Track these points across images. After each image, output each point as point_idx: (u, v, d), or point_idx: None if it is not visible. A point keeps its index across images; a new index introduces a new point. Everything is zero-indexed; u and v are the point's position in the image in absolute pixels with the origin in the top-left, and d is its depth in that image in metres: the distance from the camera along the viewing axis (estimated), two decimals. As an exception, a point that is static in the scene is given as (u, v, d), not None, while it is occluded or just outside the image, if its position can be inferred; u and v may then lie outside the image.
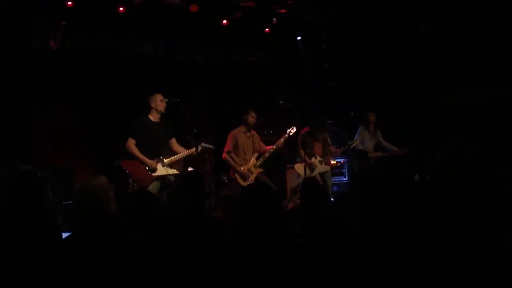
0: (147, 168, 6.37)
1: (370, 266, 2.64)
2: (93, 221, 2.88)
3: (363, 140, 8.64)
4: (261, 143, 7.75)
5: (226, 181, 7.94)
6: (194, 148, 6.56)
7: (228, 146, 7.50)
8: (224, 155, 7.50)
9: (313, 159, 7.61)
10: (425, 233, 2.73)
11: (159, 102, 6.51)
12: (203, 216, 3.67)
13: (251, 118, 7.52)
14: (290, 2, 9.08)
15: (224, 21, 8.86)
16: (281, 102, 7.93)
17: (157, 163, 6.39)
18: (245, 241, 2.78)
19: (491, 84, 8.72)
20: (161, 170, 6.43)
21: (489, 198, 3.24)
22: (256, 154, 7.61)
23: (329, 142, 7.89)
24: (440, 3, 8.74)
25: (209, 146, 6.82)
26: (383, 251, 2.68)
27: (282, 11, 9.22)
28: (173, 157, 6.55)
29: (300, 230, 3.69)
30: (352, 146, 8.00)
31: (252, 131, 7.63)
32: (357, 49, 9.57)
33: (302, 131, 7.74)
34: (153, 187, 6.27)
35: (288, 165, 8.43)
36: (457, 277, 2.59)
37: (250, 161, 7.54)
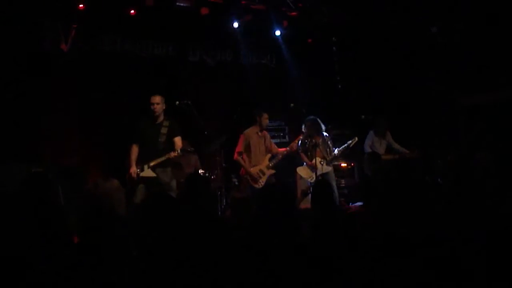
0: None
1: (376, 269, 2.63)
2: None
3: (373, 144, 8.61)
4: (272, 143, 7.80)
5: (237, 183, 7.96)
6: (176, 152, 6.45)
7: (239, 147, 7.54)
8: (236, 155, 7.54)
9: (314, 161, 7.54)
10: (442, 236, 2.71)
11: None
12: (208, 215, 3.66)
13: (265, 120, 7.61)
14: (300, 5, 9.09)
15: (235, 24, 8.87)
16: (292, 104, 7.93)
17: (140, 169, 6.46)
18: (258, 240, 2.77)
19: (503, 86, 8.64)
20: (146, 172, 6.47)
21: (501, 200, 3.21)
22: (269, 155, 7.65)
23: (330, 144, 7.84)
24: (452, 5, 8.69)
25: (190, 149, 6.73)
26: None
27: (293, 14, 9.23)
28: (156, 160, 6.47)
29: (311, 232, 3.67)
30: (351, 145, 7.86)
31: (264, 131, 7.69)
32: (368, 51, 9.54)
33: (300, 136, 7.74)
34: (140, 188, 6.35)
35: (298, 168, 8.41)
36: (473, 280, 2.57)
37: (262, 161, 7.56)
